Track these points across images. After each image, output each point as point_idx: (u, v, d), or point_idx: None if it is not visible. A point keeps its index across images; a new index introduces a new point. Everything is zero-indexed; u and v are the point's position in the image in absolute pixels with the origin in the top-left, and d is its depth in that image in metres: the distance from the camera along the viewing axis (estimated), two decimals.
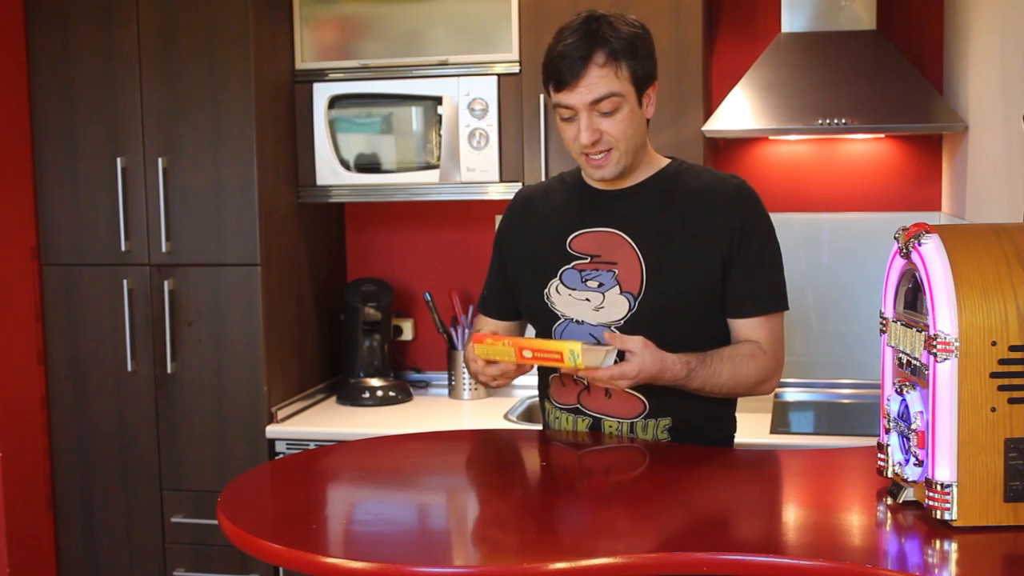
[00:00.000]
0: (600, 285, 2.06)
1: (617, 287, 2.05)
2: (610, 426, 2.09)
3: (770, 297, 2.09)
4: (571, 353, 1.89)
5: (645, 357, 1.94)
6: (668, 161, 2.16)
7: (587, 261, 2.08)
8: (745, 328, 2.08)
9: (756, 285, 2.07)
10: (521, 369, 2.02)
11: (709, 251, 2.04)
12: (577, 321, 2.08)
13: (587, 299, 2.07)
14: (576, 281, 2.08)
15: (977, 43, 2.85)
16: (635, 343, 1.95)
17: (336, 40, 3.29)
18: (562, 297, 2.09)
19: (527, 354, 1.95)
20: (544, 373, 2.19)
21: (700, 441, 2.09)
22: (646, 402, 2.06)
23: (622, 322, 2.04)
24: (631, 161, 2.07)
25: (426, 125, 3.23)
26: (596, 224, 2.10)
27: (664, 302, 2.03)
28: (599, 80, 1.97)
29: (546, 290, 2.11)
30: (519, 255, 2.20)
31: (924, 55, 3.31)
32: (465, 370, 3.43)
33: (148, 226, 3.15)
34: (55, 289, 3.22)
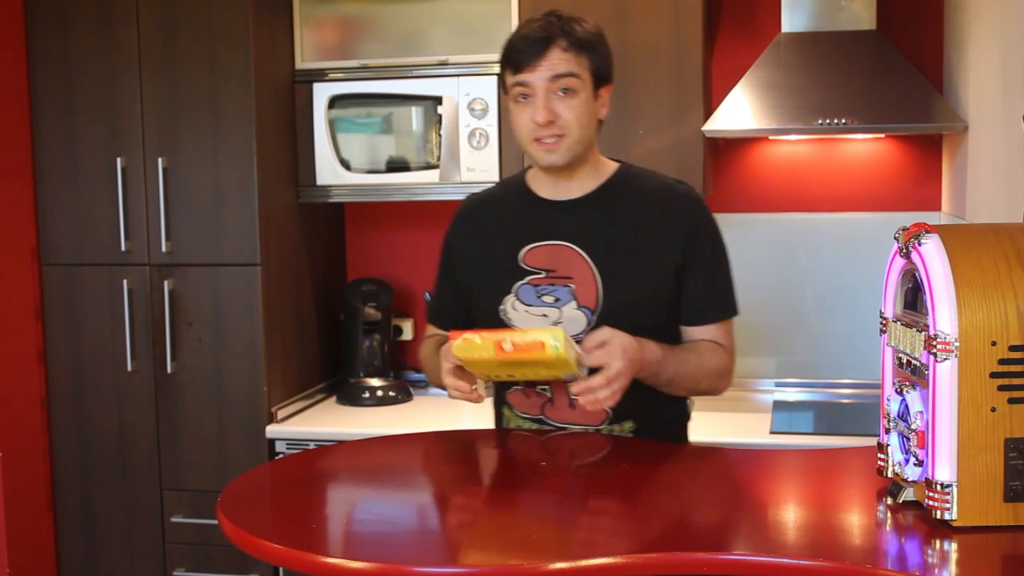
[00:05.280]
0: (556, 300, 2.05)
1: (574, 302, 2.04)
2: None
3: (723, 304, 2.11)
4: (553, 338, 1.80)
5: (619, 337, 1.91)
6: (616, 166, 2.14)
7: (542, 276, 2.07)
8: (700, 333, 2.10)
9: (710, 293, 2.09)
10: (475, 396, 1.95)
11: (662, 261, 2.05)
12: None
13: (544, 315, 2.05)
14: (532, 297, 2.07)
15: (977, 43, 2.85)
16: (602, 331, 1.91)
17: (336, 40, 3.29)
18: (519, 313, 2.07)
19: (507, 347, 1.83)
20: (502, 384, 2.15)
21: (661, 440, 2.09)
22: (608, 408, 2.04)
23: (581, 335, 2.01)
24: (580, 152, 2.04)
25: (426, 125, 3.23)
26: (548, 237, 2.08)
27: (621, 314, 2.01)
28: (560, 61, 1.99)
29: (502, 306, 2.08)
30: (471, 268, 2.17)
31: (924, 55, 3.31)
32: None
33: (148, 226, 3.15)
34: (55, 289, 3.22)
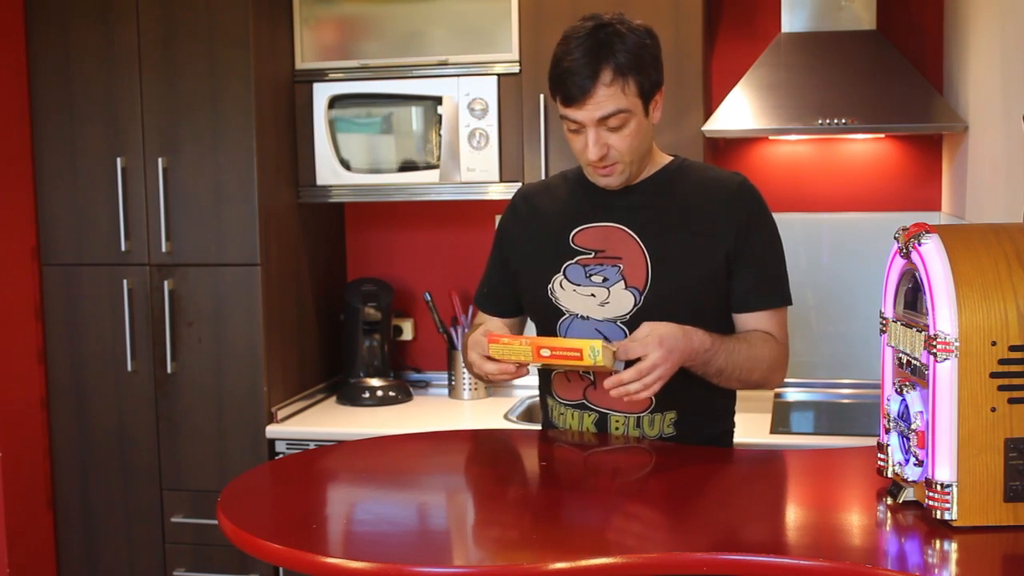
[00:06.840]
0: (605, 280, 2.06)
1: (622, 282, 2.05)
2: (616, 421, 2.08)
3: (775, 292, 2.11)
4: (592, 350, 1.87)
5: (659, 328, 1.92)
6: (671, 159, 2.16)
7: (591, 256, 2.08)
8: (753, 321, 2.09)
9: (762, 280, 2.08)
10: (520, 372, 2.00)
11: (713, 246, 2.05)
12: (582, 317, 2.07)
13: (592, 294, 2.07)
14: (580, 276, 2.08)
15: (977, 43, 2.85)
16: (642, 327, 1.93)
17: (336, 40, 3.29)
18: (566, 292, 2.09)
19: (545, 352, 1.92)
20: (547, 369, 2.18)
21: (704, 434, 2.09)
22: (652, 396, 2.05)
23: (628, 316, 2.04)
24: (637, 169, 2.08)
25: (426, 125, 3.23)
26: (599, 219, 2.10)
27: (670, 295, 2.03)
28: (606, 98, 1.96)
29: (550, 285, 2.10)
30: (522, 250, 2.19)
31: (924, 55, 3.31)
32: (465, 370, 3.42)
33: (148, 226, 3.15)
34: (55, 289, 3.22)
